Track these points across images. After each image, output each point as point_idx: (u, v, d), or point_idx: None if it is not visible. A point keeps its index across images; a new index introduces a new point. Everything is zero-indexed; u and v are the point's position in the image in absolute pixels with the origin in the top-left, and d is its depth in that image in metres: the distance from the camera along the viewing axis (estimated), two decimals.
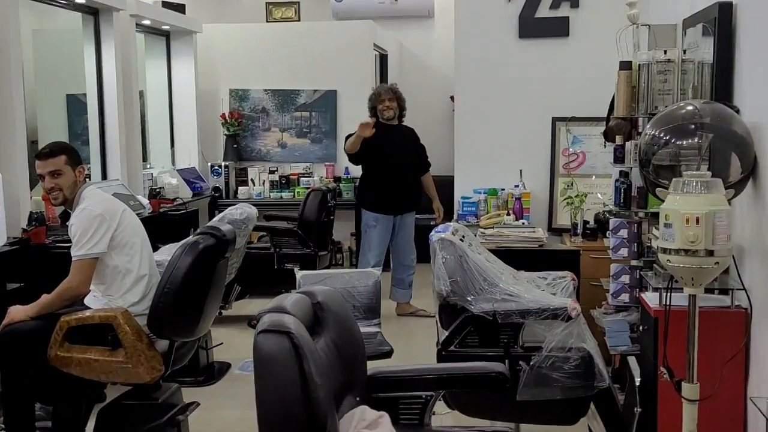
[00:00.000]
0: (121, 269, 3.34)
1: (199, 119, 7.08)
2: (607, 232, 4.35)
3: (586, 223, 4.94)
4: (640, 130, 4.07)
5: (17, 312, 3.35)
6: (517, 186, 5.16)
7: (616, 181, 3.80)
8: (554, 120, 5.27)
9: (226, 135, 7.20)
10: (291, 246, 5.76)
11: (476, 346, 3.21)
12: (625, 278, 3.74)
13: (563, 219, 5.24)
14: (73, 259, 3.30)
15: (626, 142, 3.83)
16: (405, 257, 5.86)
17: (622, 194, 3.72)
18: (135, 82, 5.97)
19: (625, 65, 3.60)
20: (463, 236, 3.53)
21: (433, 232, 3.47)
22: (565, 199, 5.02)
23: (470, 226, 4.93)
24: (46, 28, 6.41)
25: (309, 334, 2.05)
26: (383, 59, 7.88)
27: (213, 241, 3.42)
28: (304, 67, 7.18)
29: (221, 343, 4.92)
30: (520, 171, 5.22)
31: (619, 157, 3.80)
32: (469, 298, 3.19)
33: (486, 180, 5.33)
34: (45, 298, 3.35)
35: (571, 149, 5.25)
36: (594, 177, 5.17)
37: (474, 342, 3.23)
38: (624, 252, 3.72)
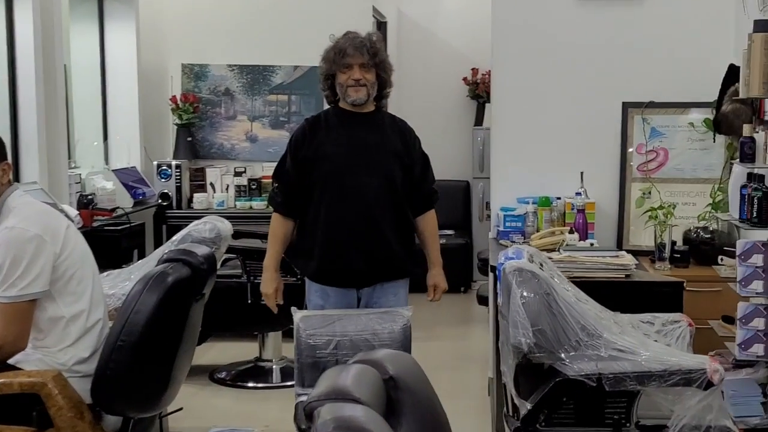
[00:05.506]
0: (65, 314, 2.91)
1: (142, 104, 6.77)
2: (719, 257, 3.98)
3: (673, 244, 4.50)
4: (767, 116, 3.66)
5: None
6: (578, 194, 4.72)
7: (744, 187, 3.37)
8: (625, 106, 4.88)
9: (177, 125, 6.88)
10: None
11: (571, 424, 2.76)
12: (760, 323, 3.32)
13: (639, 238, 4.80)
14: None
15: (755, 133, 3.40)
16: None
17: (754, 205, 3.28)
18: (58, 53, 5.60)
19: (763, 25, 3.20)
20: (542, 264, 3.07)
21: (503, 259, 3.01)
22: (646, 212, 4.57)
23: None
24: None
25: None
26: (381, 28, 7.51)
27: (187, 272, 3.01)
28: (282, 36, 6.86)
29: (180, 409, 4.38)
30: (581, 174, 4.78)
31: (747, 154, 3.37)
32: (562, 356, 2.74)
33: (534, 186, 4.92)
34: None
35: (648, 145, 4.82)
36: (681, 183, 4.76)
37: (567, 417, 2.76)
38: (758, 286, 3.31)
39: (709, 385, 2.67)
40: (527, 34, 4.97)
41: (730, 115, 3.61)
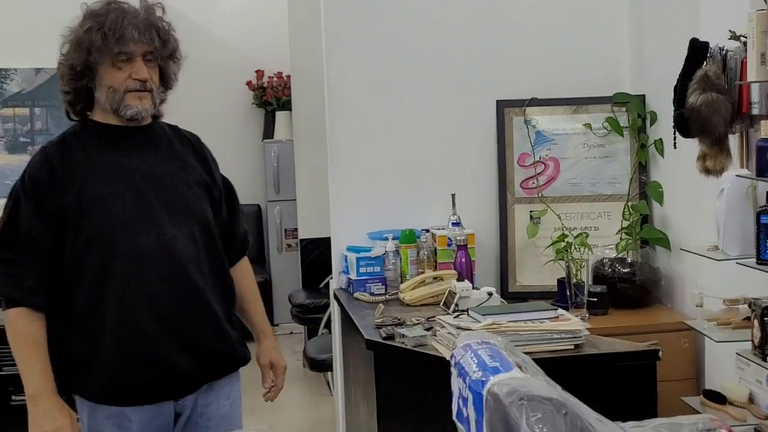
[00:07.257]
0: None
1: None
2: (699, 294, 2.91)
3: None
4: (756, 111, 2.63)
5: None
6: (456, 224, 3.57)
7: (763, 213, 2.31)
8: (501, 106, 3.83)
9: None
10: None
11: None
12: None
13: (530, 276, 3.72)
14: None
15: None
16: None
17: None
18: None
19: None
20: (524, 366, 1.83)
21: (476, 371, 1.74)
22: (553, 243, 3.47)
23: (389, 300, 3.40)
24: None
25: None
26: None
27: None
28: (18, 31, 5.78)
29: None
30: (453, 196, 3.65)
31: None
32: None
33: (388, 216, 3.78)
34: None
35: (534, 155, 3.75)
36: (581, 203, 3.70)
37: None
38: None
39: None
40: (366, 18, 3.83)
41: (703, 109, 2.57)
